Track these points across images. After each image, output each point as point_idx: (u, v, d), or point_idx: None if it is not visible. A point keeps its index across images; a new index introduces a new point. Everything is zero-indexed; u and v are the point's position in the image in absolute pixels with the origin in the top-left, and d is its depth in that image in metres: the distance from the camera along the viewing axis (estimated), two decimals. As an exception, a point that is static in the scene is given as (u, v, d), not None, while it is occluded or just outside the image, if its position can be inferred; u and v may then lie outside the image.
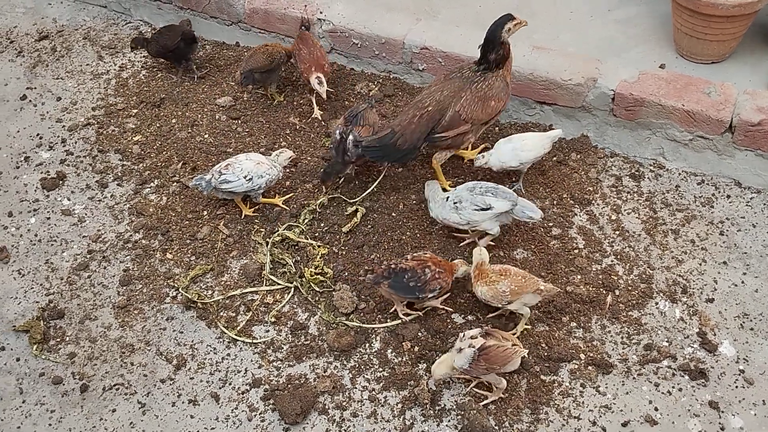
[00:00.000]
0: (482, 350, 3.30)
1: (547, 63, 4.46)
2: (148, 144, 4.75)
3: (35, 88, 5.22)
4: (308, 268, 3.99)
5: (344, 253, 4.08)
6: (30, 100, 5.13)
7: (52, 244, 4.27)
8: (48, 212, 4.43)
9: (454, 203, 3.85)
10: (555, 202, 4.23)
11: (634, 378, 3.55)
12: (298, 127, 4.76)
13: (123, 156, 4.70)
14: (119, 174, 4.60)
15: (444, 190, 4.07)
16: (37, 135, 4.89)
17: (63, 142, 4.83)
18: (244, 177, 4.06)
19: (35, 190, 4.56)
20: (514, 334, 3.56)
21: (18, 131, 4.92)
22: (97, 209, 4.43)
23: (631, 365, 3.59)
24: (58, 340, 3.85)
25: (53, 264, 4.18)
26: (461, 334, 3.42)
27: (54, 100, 5.12)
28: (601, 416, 3.43)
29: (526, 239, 4.06)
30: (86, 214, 4.41)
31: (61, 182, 4.58)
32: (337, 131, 4.23)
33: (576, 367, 3.59)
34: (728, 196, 4.22)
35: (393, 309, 3.80)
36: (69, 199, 4.49)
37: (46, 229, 4.35)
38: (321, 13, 4.98)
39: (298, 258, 4.08)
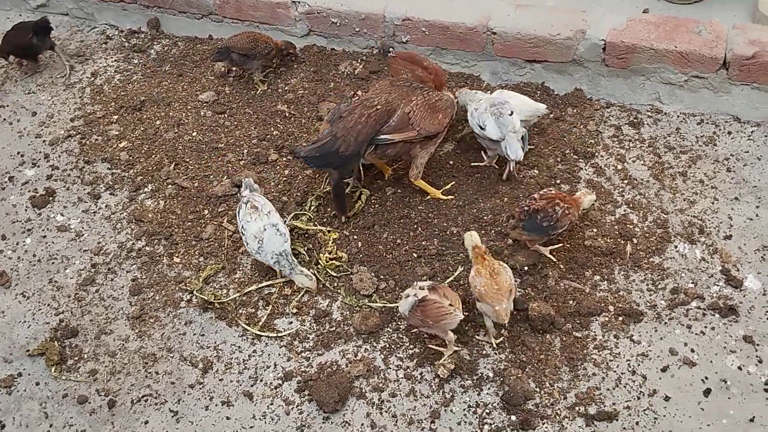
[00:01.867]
0: (421, 301, 3.32)
1: (532, 20, 4.41)
2: (135, 149, 4.61)
3: (7, 105, 5.04)
4: (322, 254, 3.91)
5: (356, 235, 4.01)
6: (4, 119, 4.95)
7: (52, 263, 4.13)
8: (43, 230, 4.29)
9: (474, 109, 3.95)
10: (559, 158, 4.20)
11: (665, 323, 3.55)
12: (287, 114, 4.65)
13: (111, 164, 4.56)
14: (110, 183, 4.47)
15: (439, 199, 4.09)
16: (18, 153, 4.72)
17: (46, 157, 4.66)
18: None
19: (26, 210, 4.40)
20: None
21: (-3, 152, 4.75)
22: (94, 221, 4.29)
23: (660, 311, 3.58)
24: (76, 358, 3.74)
25: (57, 282, 4.04)
26: (416, 282, 3.46)
27: (29, 116, 4.95)
28: (639, 364, 3.43)
29: (537, 199, 4.03)
30: (83, 228, 4.27)
31: (51, 198, 4.43)
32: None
33: (606, 319, 3.58)
34: (729, 133, 4.23)
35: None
36: (62, 215, 4.35)
37: (44, 248, 4.21)
38: (295, -5, 4.88)
39: (310, 246, 4.00)
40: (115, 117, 4.83)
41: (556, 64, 4.45)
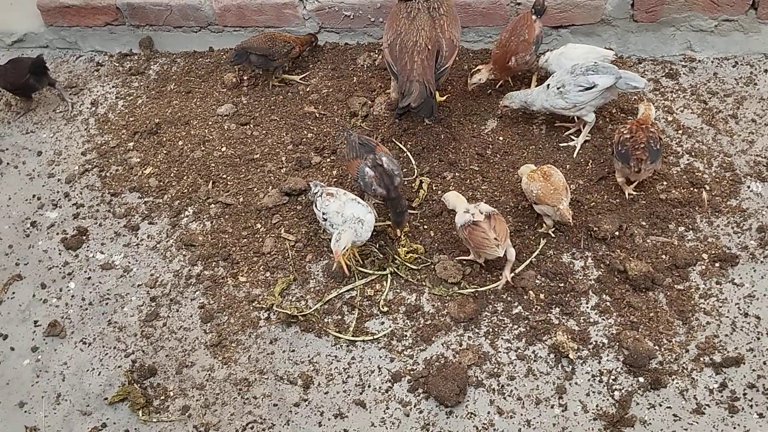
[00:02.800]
0: (473, 223, 3.44)
1: (556, -15, 4.37)
2: (163, 174, 4.36)
3: (7, 149, 4.70)
4: (399, 248, 3.77)
5: (426, 225, 3.88)
6: (7, 163, 4.61)
7: (106, 303, 3.86)
8: (85, 272, 4.00)
9: (558, 89, 3.84)
10: (607, 119, 4.17)
11: (761, 261, 3.55)
12: (317, 115, 4.48)
13: (141, 193, 4.30)
14: (146, 212, 4.20)
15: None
16: (34, 196, 4.40)
17: (66, 196, 4.36)
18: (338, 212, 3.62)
19: (59, 254, 4.10)
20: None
21: (9, 198, 4.41)
22: (139, 254, 4.03)
23: (753, 250, 3.59)
24: (162, 398, 3.49)
25: (118, 323, 3.78)
26: (479, 203, 3.58)
27: (35, 156, 4.62)
28: (749, 306, 3.42)
29: (601, 163, 3.98)
30: (130, 263, 4.00)
31: (84, 237, 4.14)
32: (366, 169, 3.69)
33: (703, 267, 3.56)
34: (766, 71, 4.29)
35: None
36: (102, 252, 4.07)
37: (93, 290, 3.93)
38: (301, -8, 4.70)
39: (382, 242, 3.84)
40: (131, 144, 4.56)
41: (583, 26, 4.43)
